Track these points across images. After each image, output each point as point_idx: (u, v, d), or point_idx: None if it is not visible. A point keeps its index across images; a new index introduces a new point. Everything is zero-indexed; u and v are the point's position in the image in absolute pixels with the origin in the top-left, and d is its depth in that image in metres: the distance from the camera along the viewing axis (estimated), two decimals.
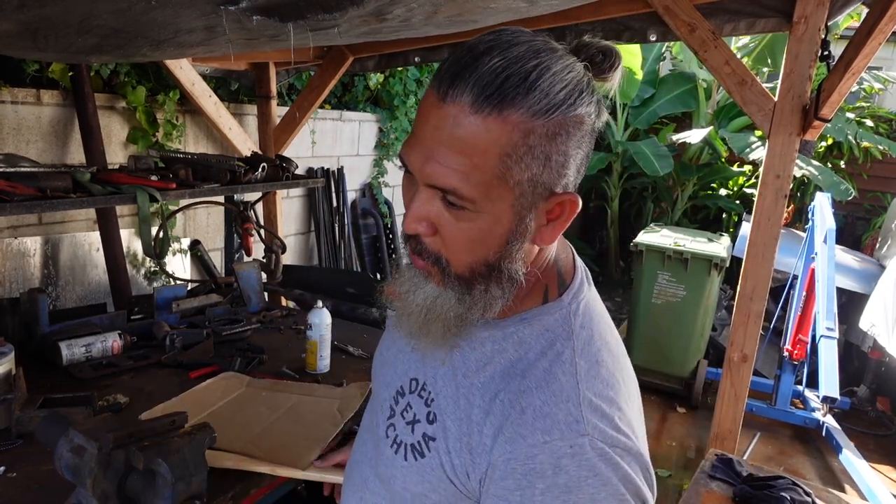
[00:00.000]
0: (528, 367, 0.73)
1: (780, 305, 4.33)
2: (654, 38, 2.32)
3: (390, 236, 4.32)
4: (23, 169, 1.66)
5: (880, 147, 5.57)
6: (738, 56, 2.46)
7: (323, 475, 1.26)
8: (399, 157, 0.71)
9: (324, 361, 1.87)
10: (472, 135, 0.63)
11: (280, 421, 1.54)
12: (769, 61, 5.23)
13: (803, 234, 4.56)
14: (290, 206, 3.61)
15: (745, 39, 5.36)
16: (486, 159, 0.63)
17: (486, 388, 0.74)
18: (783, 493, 1.61)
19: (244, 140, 2.95)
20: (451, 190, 0.65)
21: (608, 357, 0.75)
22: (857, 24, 1.93)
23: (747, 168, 6.37)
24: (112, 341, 1.84)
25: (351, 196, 4.02)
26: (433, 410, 0.78)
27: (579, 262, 0.83)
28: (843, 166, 6.20)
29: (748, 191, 6.34)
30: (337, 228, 3.85)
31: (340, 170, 3.86)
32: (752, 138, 5.41)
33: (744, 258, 2.18)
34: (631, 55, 5.59)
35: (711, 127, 5.83)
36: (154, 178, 1.85)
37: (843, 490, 3.38)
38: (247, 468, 1.32)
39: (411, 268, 0.75)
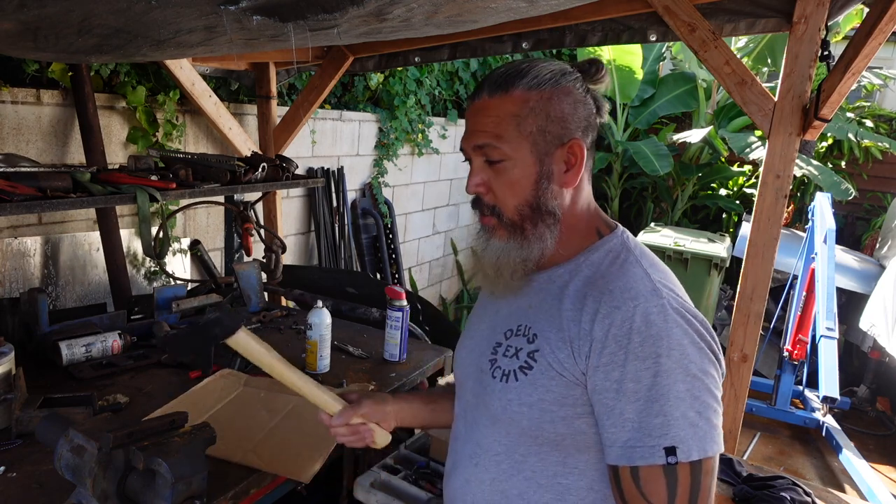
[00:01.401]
0: (604, 272, 0.94)
1: (780, 305, 4.33)
2: (654, 38, 2.32)
3: (390, 236, 4.32)
4: (23, 169, 1.66)
5: (881, 146, 5.57)
6: (738, 56, 2.46)
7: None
8: (461, 151, 1.00)
9: (324, 361, 1.87)
10: (492, 110, 0.94)
11: (280, 427, 1.53)
12: (769, 61, 5.23)
13: (803, 235, 4.56)
14: (290, 206, 3.61)
15: (744, 39, 5.36)
16: (505, 121, 0.93)
17: (573, 297, 0.93)
18: (783, 494, 1.61)
19: (244, 140, 2.95)
20: (488, 143, 0.94)
21: (661, 267, 0.97)
22: (859, 25, 1.93)
23: (747, 168, 6.37)
24: (112, 341, 1.84)
25: (351, 196, 4.02)
26: (532, 334, 0.95)
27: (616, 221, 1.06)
28: (843, 166, 6.20)
29: (748, 191, 6.34)
30: (337, 228, 3.85)
31: (340, 170, 3.86)
32: (752, 138, 5.40)
33: (744, 258, 2.18)
34: (631, 55, 5.59)
35: (711, 127, 5.82)
36: (154, 178, 1.85)
37: (843, 490, 3.38)
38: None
39: (482, 230, 1.00)
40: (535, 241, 0.95)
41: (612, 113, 6.19)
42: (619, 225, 1.03)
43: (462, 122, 4.98)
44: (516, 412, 0.94)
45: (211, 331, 1.08)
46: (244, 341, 1.10)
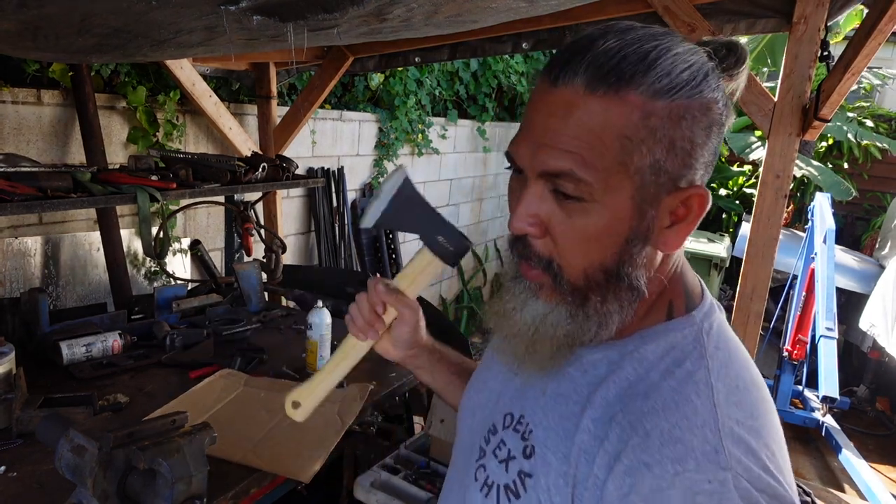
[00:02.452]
0: (651, 388, 0.61)
1: (779, 305, 4.34)
2: None
3: (390, 236, 4.32)
4: (23, 169, 1.66)
5: (880, 145, 5.58)
6: None
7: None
8: (506, 156, 0.66)
9: (324, 361, 1.87)
10: (587, 117, 0.58)
11: (280, 427, 1.53)
12: (769, 61, 5.24)
13: (803, 235, 4.57)
14: (290, 206, 3.61)
15: (744, 39, 5.36)
16: (604, 142, 0.58)
17: (598, 411, 0.62)
18: None
19: (244, 140, 2.95)
20: (568, 172, 0.59)
21: (751, 384, 0.64)
22: (859, 25, 1.93)
23: (747, 168, 6.37)
24: (112, 341, 1.84)
25: (351, 196, 4.02)
26: (531, 444, 0.67)
27: (704, 285, 0.73)
28: (845, 167, 6.20)
29: (748, 191, 6.34)
30: (337, 228, 3.85)
31: (340, 170, 3.86)
32: (752, 138, 5.41)
33: (744, 258, 2.18)
34: None
35: None
36: (154, 178, 1.85)
37: (842, 490, 3.38)
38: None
39: (519, 281, 0.67)
40: (596, 320, 0.64)
41: None
42: (708, 298, 0.70)
43: (462, 122, 4.96)
44: None
45: (437, 237, 0.83)
46: (437, 270, 0.87)
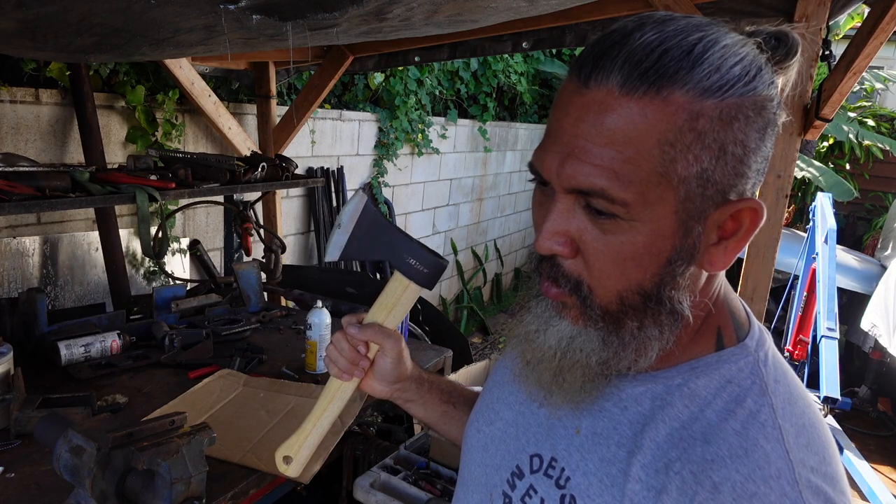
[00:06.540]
0: (710, 429, 0.55)
1: (780, 306, 4.33)
2: None
3: None
4: (21, 168, 1.66)
5: (881, 146, 5.58)
6: None
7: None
8: (529, 167, 0.59)
9: (323, 362, 1.86)
10: (623, 121, 0.51)
11: (279, 427, 1.53)
12: None
13: (804, 235, 4.56)
14: (289, 206, 3.61)
15: None
16: (643, 151, 0.51)
17: (648, 456, 0.56)
18: None
19: (244, 140, 2.94)
20: (599, 192, 0.52)
21: (816, 421, 0.58)
22: (860, 25, 1.93)
23: None
24: (111, 341, 1.83)
25: (350, 196, 4.02)
26: (569, 493, 0.60)
27: (748, 308, 0.67)
28: (847, 168, 6.21)
29: None
30: None
31: (340, 169, 3.85)
32: None
33: (744, 258, 2.17)
34: None
35: None
36: (153, 177, 1.85)
37: None
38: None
39: (541, 300, 0.61)
40: (633, 347, 0.58)
41: None
42: (756, 322, 0.63)
43: (462, 122, 4.95)
44: None
45: (409, 260, 0.79)
46: (414, 295, 0.82)
